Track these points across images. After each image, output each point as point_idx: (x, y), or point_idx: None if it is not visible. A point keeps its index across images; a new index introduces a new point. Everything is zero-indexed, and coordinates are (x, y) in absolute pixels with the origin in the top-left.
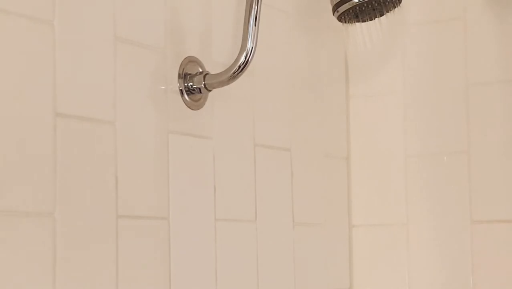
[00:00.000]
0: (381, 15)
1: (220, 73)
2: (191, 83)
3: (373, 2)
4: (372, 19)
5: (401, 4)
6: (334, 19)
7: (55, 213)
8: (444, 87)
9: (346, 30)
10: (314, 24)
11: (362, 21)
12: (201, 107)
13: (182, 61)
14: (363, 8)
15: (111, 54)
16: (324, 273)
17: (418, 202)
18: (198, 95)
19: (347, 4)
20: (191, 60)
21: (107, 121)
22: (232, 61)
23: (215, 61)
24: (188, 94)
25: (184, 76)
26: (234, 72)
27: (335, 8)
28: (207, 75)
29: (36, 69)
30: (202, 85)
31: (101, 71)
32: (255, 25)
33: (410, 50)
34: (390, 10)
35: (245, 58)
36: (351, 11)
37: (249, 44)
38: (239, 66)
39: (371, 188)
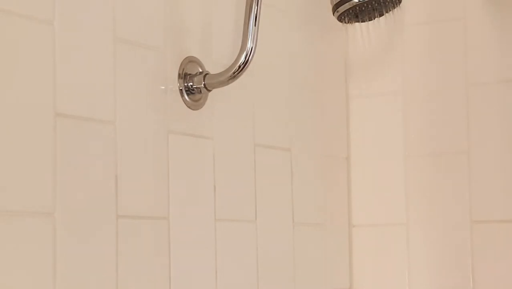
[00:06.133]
0: (381, 15)
1: (220, 73)
2: (191, 83)
3: (373, 2)
4: (372, 19)
5: (401, 4)
6: (334, 19)
7: (55, 213)
8: (444, 87)
9: (346, 30)
10: (314, 24)
11: (362, 21)
12: (201, 107)
13: (182, 61)
14: (363, 8)
15: (111, 54)
16: (324, 273)
17: (418, 202)
18: (198, 95)
19: (347, 4)
20: (191, 60)
21: (107, 121)
22: (232, 61)
23: (215, 61)
24: (188, 94)
25: (184, 76)
26: (234, 72)
27: (335, 8)
28: (207, 75)
29: (36, 69)
30: (202, 85)
31: (101, 71)
32: (255, 25)
33: (410, 50)
34: (390, 10)
35: (245, 58)
36: (351, 11)
37: (249, 44)
38: (239, 66)
39: (371, 188)
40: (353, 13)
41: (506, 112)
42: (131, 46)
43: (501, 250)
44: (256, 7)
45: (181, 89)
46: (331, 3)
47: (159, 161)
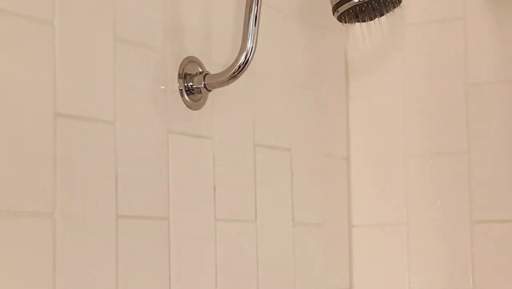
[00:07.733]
0: (381, 15)
1: (220, 73)
2: (191, 83)
3: (373, 2)
4: (372, 19)
5: (401, 4)
6: (334, 19)
7: (55, 213)
8: (444, 87)
9: (346, 30)
10: (314, 24)
11: (362, 21)
12: (201, 107)
13: (182, 61)
14: (363, 8)
15: (111, 54)
16: (324, 273)
17: (418, 202)
18: (198, 95)
19: (347, 4)
20: (191, 60)
21: (107, 121)
22: (232, 61)
23: (215, 61)
24: (188, 94)
25: (184, 76)
26: (234, 72)
27: (335, 8)
28: (207, 75)
29: (36, 69)
30: (202, 85)
31: (101, 71)
32: (255, 25)
33: (410, 50)
34: (390, 10)
35: (245, 58)
36: (351, 11)
37: (249, 44)
38: (239, 66)
39: (371, 188)
40: (353, 13)
41: (506, 112)
42: (131, 46)
43: (501, 250)
44: (256, 7)
45: (181, 89)
46: (331, 3)
47: (159, 161)
